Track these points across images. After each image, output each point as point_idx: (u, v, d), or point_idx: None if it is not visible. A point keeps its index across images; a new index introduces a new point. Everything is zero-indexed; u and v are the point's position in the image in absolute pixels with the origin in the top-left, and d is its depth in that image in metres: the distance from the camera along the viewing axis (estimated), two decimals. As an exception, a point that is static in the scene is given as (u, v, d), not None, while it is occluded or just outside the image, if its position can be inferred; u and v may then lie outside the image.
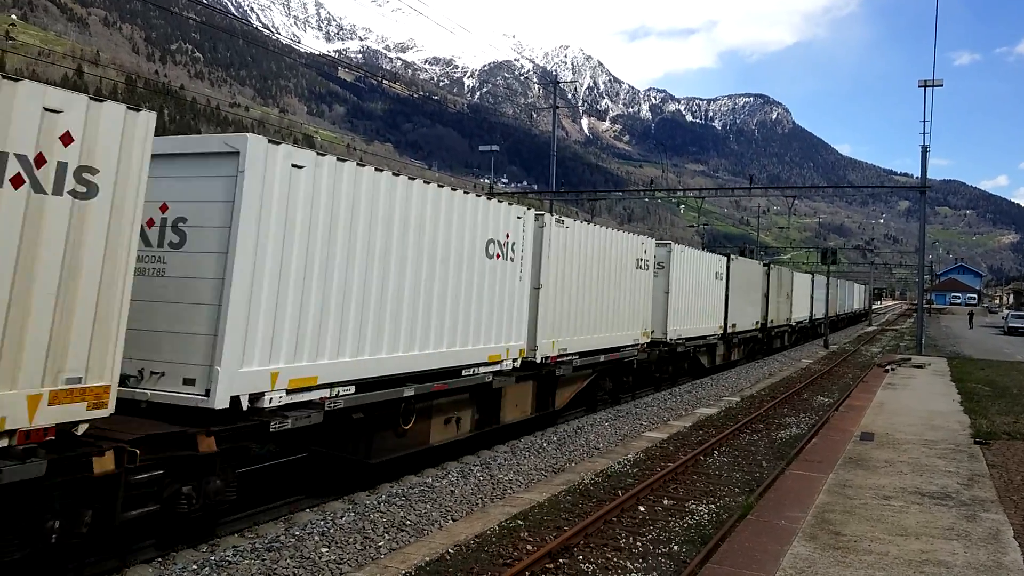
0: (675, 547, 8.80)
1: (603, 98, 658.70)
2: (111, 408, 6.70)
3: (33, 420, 6.05)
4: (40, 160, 6.09)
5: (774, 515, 9.26)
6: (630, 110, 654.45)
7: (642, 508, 10.25)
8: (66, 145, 6.29)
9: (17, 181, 5.92)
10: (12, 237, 5.91)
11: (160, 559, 7.94)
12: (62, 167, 6.26)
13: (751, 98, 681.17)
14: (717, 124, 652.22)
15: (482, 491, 10.86)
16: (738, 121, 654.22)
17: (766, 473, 12.22)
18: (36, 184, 6.06)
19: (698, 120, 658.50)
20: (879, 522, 9.05)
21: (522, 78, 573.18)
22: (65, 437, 6.38)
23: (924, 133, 39.38)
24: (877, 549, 8.10)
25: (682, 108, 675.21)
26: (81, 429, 6.50)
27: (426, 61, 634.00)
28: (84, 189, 6.46)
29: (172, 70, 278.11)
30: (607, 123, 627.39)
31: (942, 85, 38.22)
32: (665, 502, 10.60)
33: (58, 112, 6.23)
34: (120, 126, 6.76)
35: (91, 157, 6.50)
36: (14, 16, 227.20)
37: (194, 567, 7.65)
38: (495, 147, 57.73)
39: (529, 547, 8.47)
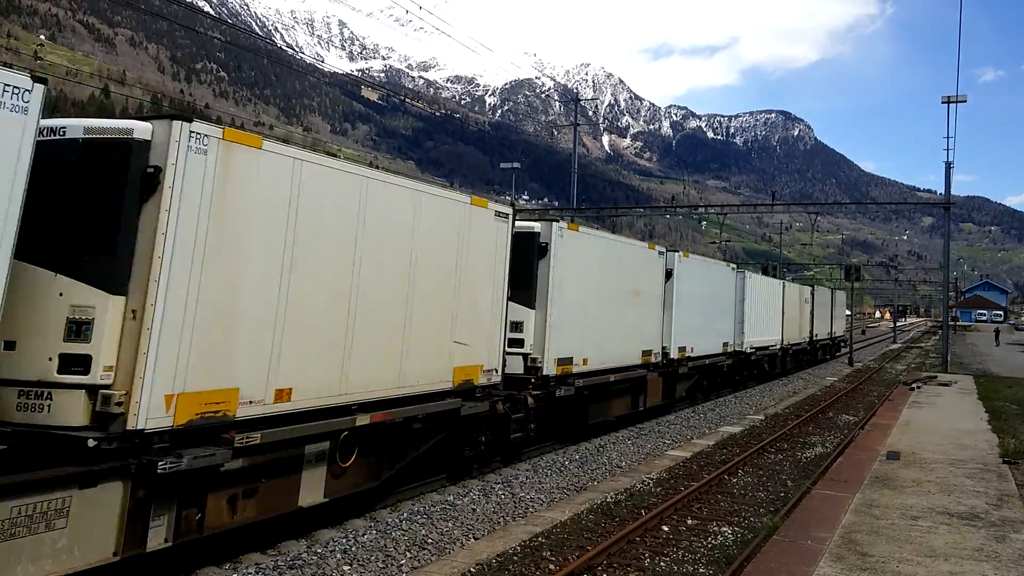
0: (699, 568, 8.71)
1: (624, 115, 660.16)
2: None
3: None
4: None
5: (800, 535, 9.14)
6: (651, 127, 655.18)
7: (666, 528, 10.17)
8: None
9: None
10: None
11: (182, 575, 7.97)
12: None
13: (773, 114, 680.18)
14: (739, 140, 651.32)
15: (504, 509, 10.82)
16: (760, 137, 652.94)
17: (791, 493, 12.09)
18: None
19: (719, 137, 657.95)
20: (907, 543, 8.91)
21: (543, 96, 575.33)
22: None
23: (948, 149, 38.55)
24: (905, 571, 7.97)
25: (703, 125, 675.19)
26: None
27: (448, 80, 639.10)
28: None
29: (197, 89, 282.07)
30: (628, 140, 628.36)
31: (966, 101, 37.90)
32: (689, 522, 10.51)
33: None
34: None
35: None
36: (43, 36, 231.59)
37: (217, 584, 7.68)
38: (516, 164, 57.80)
39: (552, 567, 8.41)
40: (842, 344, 51.43)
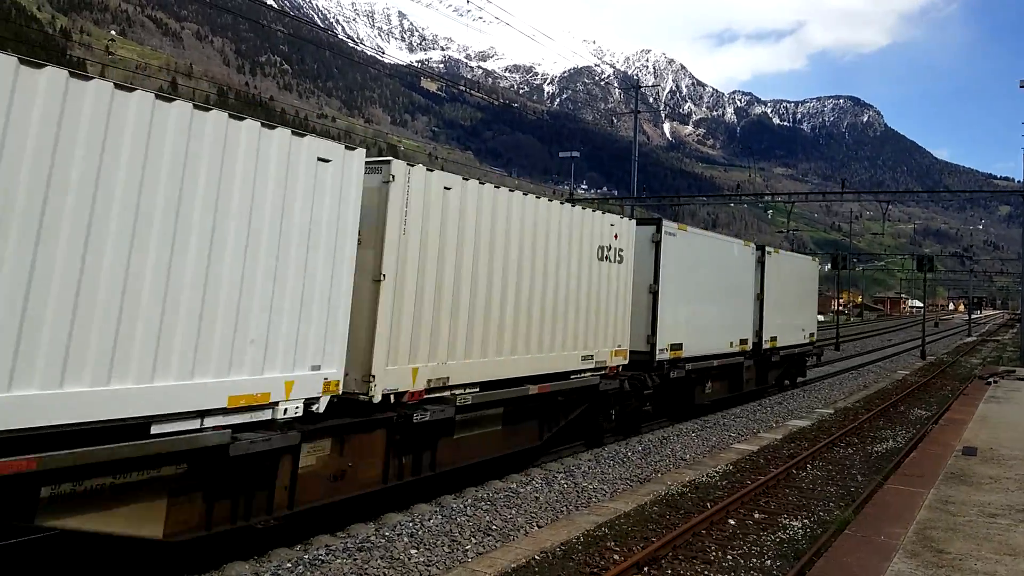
0: (767, 561, 8.58)
1: (686, 101, 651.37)
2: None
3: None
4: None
5: (872, 531, 8.92)
6: (714, 113, 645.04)
7: (732, 521, 10.04)
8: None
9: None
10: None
11: (256, 557, 8.18)
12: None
13: (841, 100, 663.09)
14: (806, 127, 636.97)
15: (567, 499, 10.83)
16: (827, 124, 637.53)
17: (862, 488, 11.82)
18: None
19: (786, 123, 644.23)
20: (985, 540, 8.63)
21: (602, 83, 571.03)
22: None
23: (1029, 133, 37.16)
24: (983, 568, 7.72)
25: (768, 111, 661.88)
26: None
27: (506, 69, 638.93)
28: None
29: (262, 82, 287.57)
30: (690, 127, 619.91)
31: (1047, 83, 36.24)
32: (756, 515, 10.35)
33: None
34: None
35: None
36: (113, 32, 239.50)
37: (288, 565, 7.86)
38: (575, 153, 57.46)
39: (616, 557, 8.39)
40: (811, 359, 27.44)
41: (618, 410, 14.60)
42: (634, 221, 15.48)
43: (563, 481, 11.68)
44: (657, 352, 15.93)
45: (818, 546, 8.70)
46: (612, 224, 14.16)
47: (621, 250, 14.46)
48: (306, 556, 8.12)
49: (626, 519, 9.86)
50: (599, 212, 13.97)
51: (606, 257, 13.95)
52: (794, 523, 10.04)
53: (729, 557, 8.67)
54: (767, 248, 22.43)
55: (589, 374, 13.34)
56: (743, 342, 20.56)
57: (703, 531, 9.51)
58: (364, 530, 9.10)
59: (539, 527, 9.53)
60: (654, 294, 16.13)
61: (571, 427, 13.57)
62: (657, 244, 16.31)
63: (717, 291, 19.09)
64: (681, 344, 16.85)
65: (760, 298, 21.76)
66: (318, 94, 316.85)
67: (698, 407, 18.57)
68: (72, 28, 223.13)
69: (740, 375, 20.58)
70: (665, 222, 16.82)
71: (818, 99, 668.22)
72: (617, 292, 14.26)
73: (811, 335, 26.51)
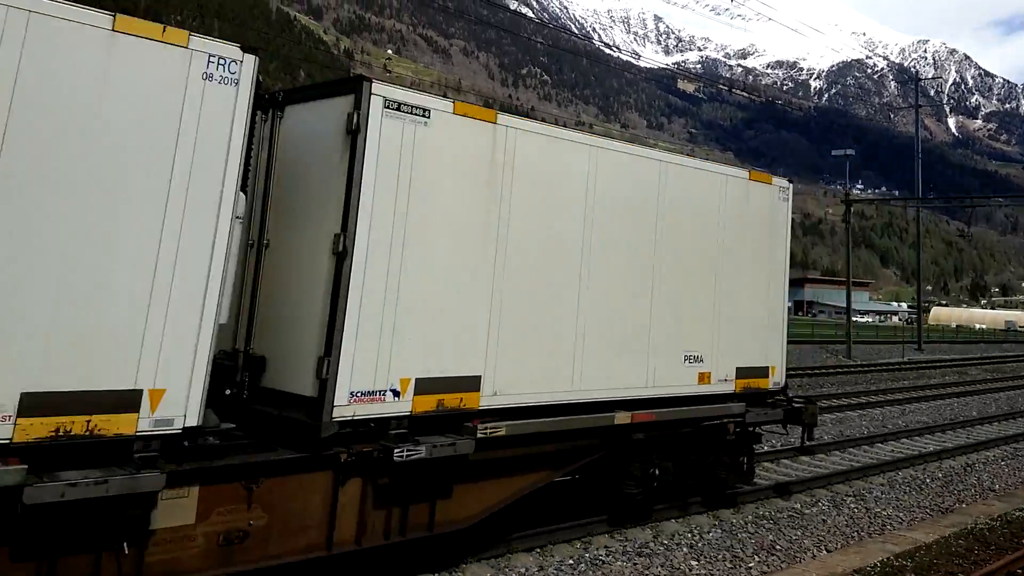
0: (1112, 617, 7.39)
1: (973, 94, 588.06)
2: None
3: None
4: None
5: None
6: (1007, 106, 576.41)
7: (1058, 564, 8.78)
8: None
9: None
10: None
11: (539, 549, 8.42)
12: None
13: None
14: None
15: (857, 524, 10.08)
16: None
17: None
18: None
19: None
20: None
21: (875, 77, 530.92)
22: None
23: None
24: None
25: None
26: None
27: (768, 66, 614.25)
28: None
29: (523, 93, 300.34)
30: (979, 121, 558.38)
31: None
32: (1088, 560, 8.98)
33: None
34: None
35: None
36: (389, 51, 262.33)
37: (571, 562, 8.02)
38: (849, 151, 53.59)
39: (920, 591, 7.65)
40: (761, 434, 10.49)
41: None
42: None
43: (853, 505, 10.90)
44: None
45: None
46: None
47: None
48: (587, 554, 8.24)
49: (927, 551, 8.96)
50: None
51: None
52: None
53: (1060, 606, 7.59)
54: (394, 93, 6.32)
55: None
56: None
57: (1019, 570, 8.42)
58: (641, 535, 9.06)
59: (828, 551, 8.95)
60: None
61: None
62: None
63: None
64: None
65: (341, 251, 5.98)
66: (576, 102, 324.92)
67: None
68: (354, 48, 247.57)
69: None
70: None
71: None
72: None
73: (741, 372, 9.48)
